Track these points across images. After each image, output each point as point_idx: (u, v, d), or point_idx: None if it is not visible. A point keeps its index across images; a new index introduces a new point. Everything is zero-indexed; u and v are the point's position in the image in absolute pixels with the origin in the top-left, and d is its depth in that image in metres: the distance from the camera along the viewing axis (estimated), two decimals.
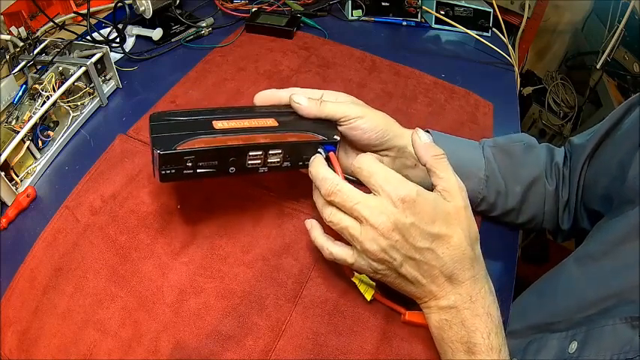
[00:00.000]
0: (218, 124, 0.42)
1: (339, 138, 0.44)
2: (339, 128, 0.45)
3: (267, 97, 0.47)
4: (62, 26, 0.70)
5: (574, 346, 0.39)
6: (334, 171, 0.41)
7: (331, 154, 0.43)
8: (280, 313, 0.46)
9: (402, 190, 0.37)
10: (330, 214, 0.40)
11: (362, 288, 0.45)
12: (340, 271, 0.48)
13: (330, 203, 0.40)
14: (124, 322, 0.44)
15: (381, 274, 0.40)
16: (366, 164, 0.39)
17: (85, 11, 0.69)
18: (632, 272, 0.38)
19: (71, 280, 0.46)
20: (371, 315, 0.46)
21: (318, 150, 0.44)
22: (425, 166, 0.40)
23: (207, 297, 0.46)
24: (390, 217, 0.37)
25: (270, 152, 0.42)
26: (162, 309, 0.45)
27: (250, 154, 0.42)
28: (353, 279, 0.45)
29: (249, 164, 0.42)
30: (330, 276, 0.48)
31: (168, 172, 0.40)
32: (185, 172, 0.40)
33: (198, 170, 0.41)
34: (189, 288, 0.46)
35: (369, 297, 0.45)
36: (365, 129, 0.45)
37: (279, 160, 0.43)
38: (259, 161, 0.43)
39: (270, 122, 0.44)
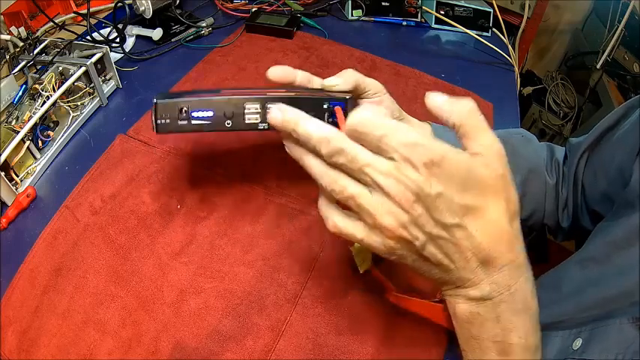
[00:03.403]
0: (222, 92, 0.41)
1: (349, 96, 0.40)
2: (363, 101, 0.42)
3: (282, 72, 0.42)
4: (62, 26, 0.70)
5: (578, 342, 0.39)
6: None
7: (337, 108, 0.38)
8: (280, 313, 0.46)
9: (425, 152, 0.29)
10: (332, 181, 0.31)
11: (358, 259, 0.43)
12: (341, 271, 0.48)
13: (333, 166, 0.31)
14: (124, 322, 0.44)
15: (398, 254, 0.32)
16: (367, 118, 0.30)
17: (85, 11, 0.70)
18: (635, 275, 0.38)
19: (71, 280, 0.46)
20: (371, 315, 0.46)
21: (324, 105, 0.39)
22: (455, 126, 0.32)
23: (207, 297, 0.46)
24: (409, 185, 0.29)
25: (269, 106, 0.38)
26: (162, 309, 0.45)
27: (247, 106, 0.39)
28: (350, 247, 0.43)
29: (246, 119, 0.40)
30: (331, 276, 0.48)
31: (164, 122, 0.39)
32: (180, 122, 0.39)
33: (193, 121, 0.40)
34: (189, 288, 0.46)
35: (362, 269, 0.43)
36: (387, 105, 0.44)
37: None
38: (257, 116, 0.40)
39: (279, 91, 0.41)
